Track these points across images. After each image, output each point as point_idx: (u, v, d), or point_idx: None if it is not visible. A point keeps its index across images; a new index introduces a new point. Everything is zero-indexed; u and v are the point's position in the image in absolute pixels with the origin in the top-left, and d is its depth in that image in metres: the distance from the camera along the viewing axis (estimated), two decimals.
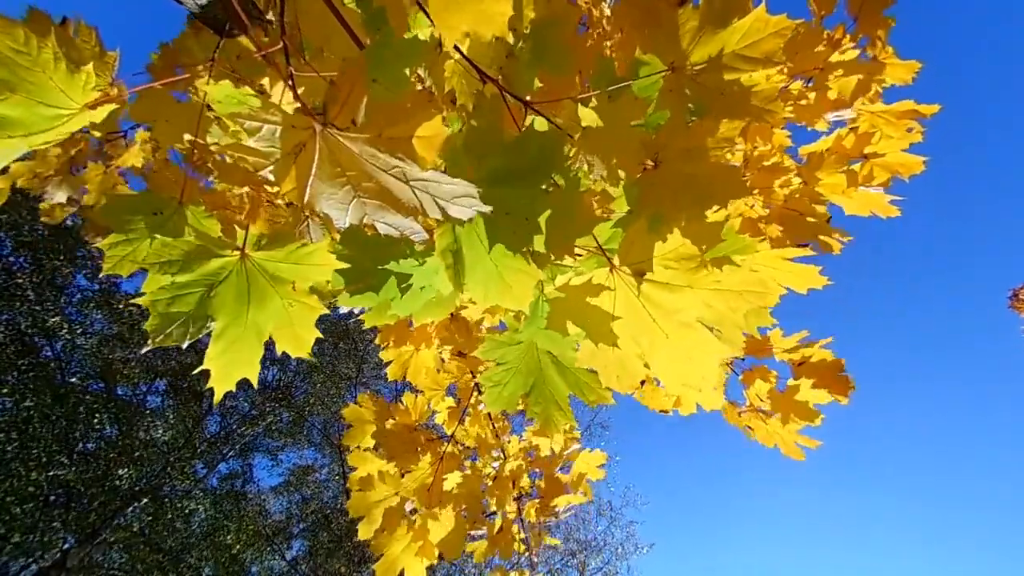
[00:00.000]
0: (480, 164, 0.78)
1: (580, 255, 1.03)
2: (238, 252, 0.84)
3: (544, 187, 0.80)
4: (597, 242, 0.99)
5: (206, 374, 0.86)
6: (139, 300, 0.80)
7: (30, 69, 0.64)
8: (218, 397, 0.86)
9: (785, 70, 1.68)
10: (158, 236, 0.89)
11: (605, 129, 0.93)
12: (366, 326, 1.23)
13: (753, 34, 0.92)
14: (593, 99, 0.97)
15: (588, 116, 1.01)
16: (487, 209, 0.71)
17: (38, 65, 0.64)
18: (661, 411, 2.12)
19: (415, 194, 0.71)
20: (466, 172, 0.78)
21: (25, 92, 0.64)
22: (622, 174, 0.97)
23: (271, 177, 0.65)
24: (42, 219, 2.20)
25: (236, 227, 1.41)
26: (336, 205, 0.70)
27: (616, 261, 0.96)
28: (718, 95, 0.97)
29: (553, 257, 0.88)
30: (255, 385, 0.88)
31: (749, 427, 1.99)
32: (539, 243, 0.85)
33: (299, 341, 0.88)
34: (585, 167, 0.97)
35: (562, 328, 0.98)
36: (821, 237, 1.91)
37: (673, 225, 0.90)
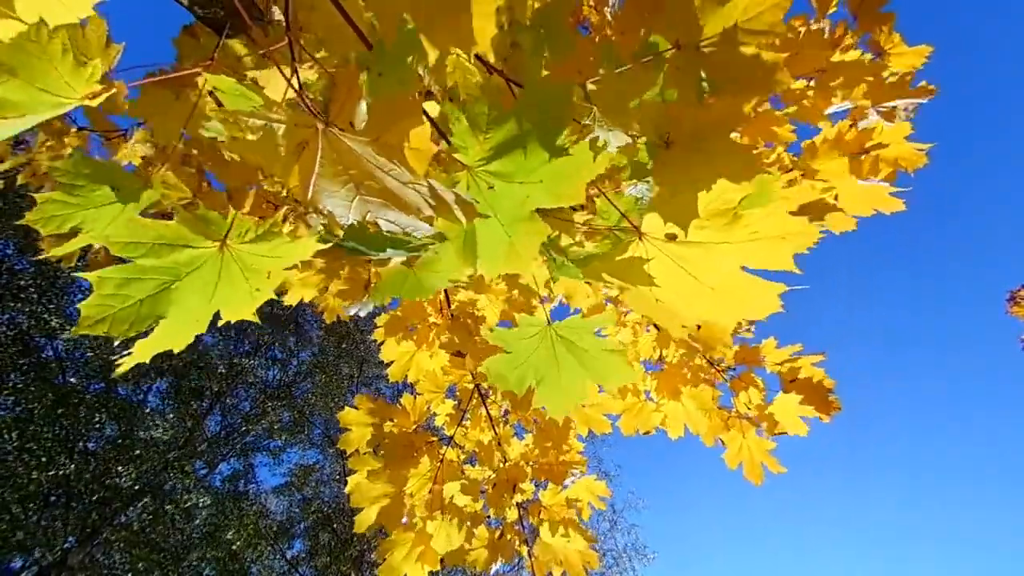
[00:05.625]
0: (486, 138, 0.76)
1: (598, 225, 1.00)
2: (218, 244, 0.76)
3: (557, 145, 0.75)
4: (620, 212, 0.95)
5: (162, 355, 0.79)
6: (85, 275, 0.69)
7: (38, 57, 0.64)
8: (123, 370, 0.76)
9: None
10: (124, 212, 0.81)
11: (614, 107, 0.91)
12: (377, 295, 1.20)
13: (755, 6, 0.92)
14: (600, 81, 0.95)
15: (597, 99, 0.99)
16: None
17: (46, 55, 0.64)
18: (645, 433, 2.10)
19: (415, 193, 0.70)
20: (474, 150, 0.77)
21: (27, 78, 0.64)
22: (636, 143, 0.94)
23: (273, 175, 0.64)
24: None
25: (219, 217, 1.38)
26: (339, 203, 0.70)
27: (644, 229, 0.91)
28: (726, 68, 0.96)
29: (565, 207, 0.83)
30: (175, 350, 0.77)
31: (722, 441, 1.99)
32: (549, 198, 0.81)
33: (245, 311, 0.81)
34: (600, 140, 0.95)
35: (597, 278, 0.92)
36: (828, 216, 1.85)
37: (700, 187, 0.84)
